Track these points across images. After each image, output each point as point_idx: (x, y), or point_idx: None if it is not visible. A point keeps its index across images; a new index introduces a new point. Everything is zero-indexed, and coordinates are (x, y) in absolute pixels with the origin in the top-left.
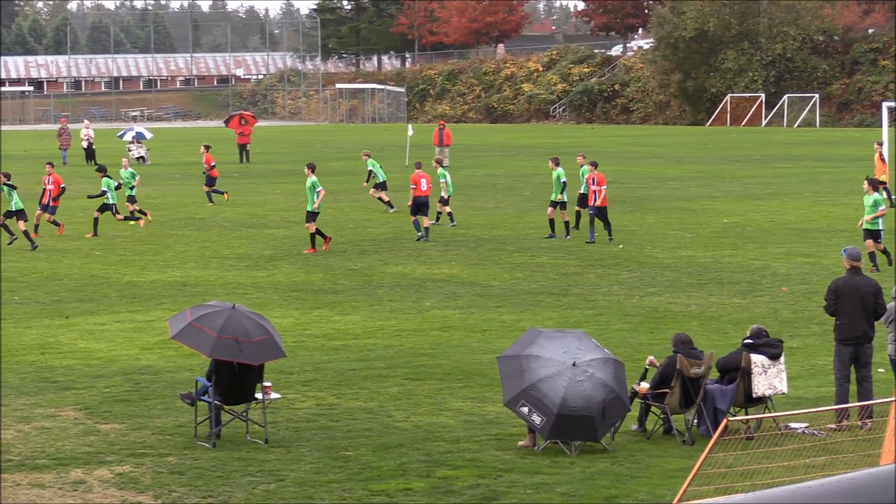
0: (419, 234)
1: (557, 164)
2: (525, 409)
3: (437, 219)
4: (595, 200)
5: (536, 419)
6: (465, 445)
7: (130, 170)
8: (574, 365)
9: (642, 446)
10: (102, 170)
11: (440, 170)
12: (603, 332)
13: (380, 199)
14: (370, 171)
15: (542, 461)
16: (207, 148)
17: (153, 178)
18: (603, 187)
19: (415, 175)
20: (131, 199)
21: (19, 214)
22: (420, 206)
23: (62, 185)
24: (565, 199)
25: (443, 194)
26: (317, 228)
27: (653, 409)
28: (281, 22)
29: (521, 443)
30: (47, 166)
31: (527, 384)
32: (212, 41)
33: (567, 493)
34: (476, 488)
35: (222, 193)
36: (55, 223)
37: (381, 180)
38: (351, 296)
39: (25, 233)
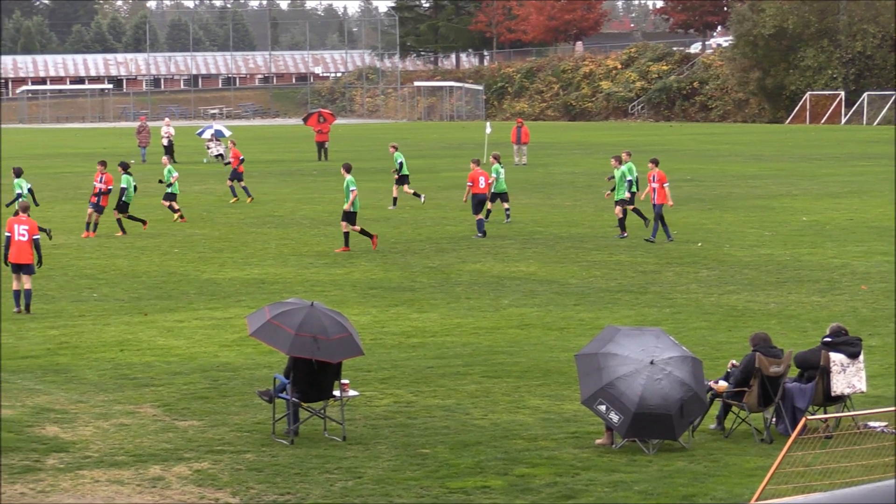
0: (478, 233)
1: (621, 162)
2: (603, 408)
3: (487, 215)
4: (654, 198)
5: (614, 417)
6: (542, 443)
7: (169, 167)
8: (652, 363)
9: (720, 445)
10: (125, 166)
11: (495, 165)
12: (681, 331)
13: (412, 193)
14: (401, 164)
15: (619, 459)
16: (234, 143)
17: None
18: (665, 185)
19: (473, 173)
20: (169, 197)
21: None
22: (479, 204)
23: (110, 186)
24: (627, 197)
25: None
26: (361, 228)
27: (733, 408)
28: (359, 20)
29: (598, 441)
30: (99, 165)
31: (604, 382)
32: (290, 39)
33: (645, 492)
34: (553, 486)
35: (249, 196)
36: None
37: (404, 174)
38: (429, 293)
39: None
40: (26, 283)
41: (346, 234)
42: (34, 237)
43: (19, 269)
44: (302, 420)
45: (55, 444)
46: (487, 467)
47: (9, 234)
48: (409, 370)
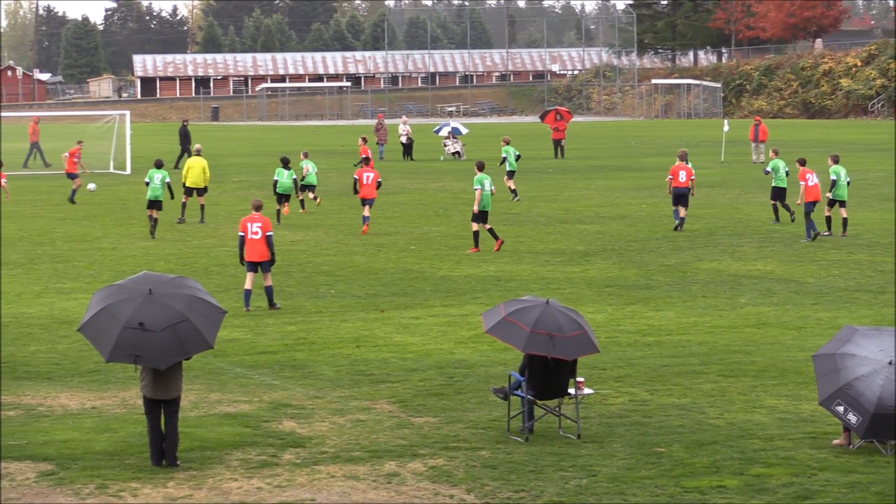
0: (677, 223)
1: (836, 161)
2: (840, 408)
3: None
4: (802, 198)
5: (852, 418)
6: (779, 443)
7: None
8: (891, 363)
9: None
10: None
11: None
12: None
13: (509, 188)
14: (504, 158)
15: (856, 460)
16: (365, 140)
17: (469, 174)
18: (805, 183)
19: (675, 167)
20: (307, 188)
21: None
22: (679, 197)
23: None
24: (831, 197)
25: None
26: (490, 228)
27: None
28: (597, 17)
29: (835, 441)
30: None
31: (842, 383)
32: (527, 36)
33: (882, 493)
34: (790, 486)
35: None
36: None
37: (512, 169)
38: (665, 291)
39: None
40: (266, 279)
41: (476, 234)
42: (267, 234)
43: (255, 266)
44: (537, 417)
45: (292, 439)
46: (723, 467)
47: (242, 234)
48: (644, 368)
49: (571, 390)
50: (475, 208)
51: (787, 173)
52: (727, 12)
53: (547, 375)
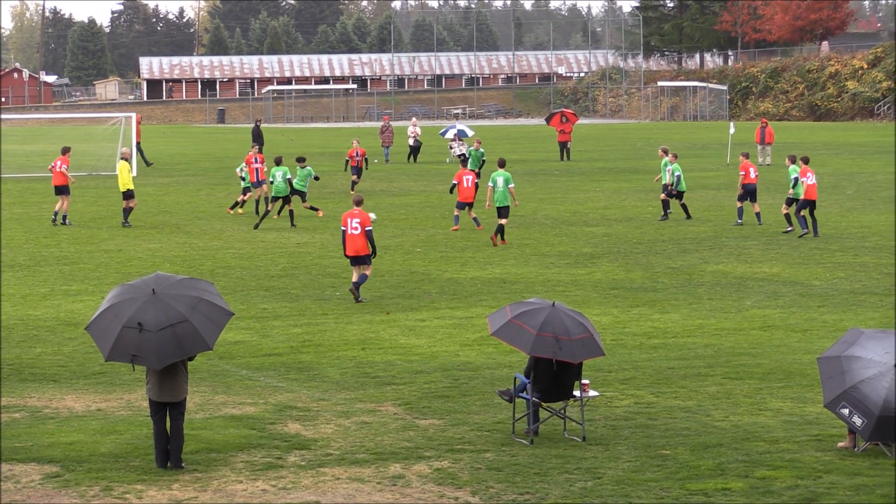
0: (738, 221)
1: (793, 161)
2: (846, 411)
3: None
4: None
5: (857, 420)
6: (784, 446)
7: (308, 168)
8: None
9: None
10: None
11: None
12: None
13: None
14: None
15: (862, 463)
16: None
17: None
18: (804, 180)
19: (745, 164)
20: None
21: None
22: (750, 193)
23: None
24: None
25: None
26: (500, 226)
27: None
28: (603, 19)
29: (840, 444)
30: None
31: (848, 385)
32: (534, 39)
33: (887, 496)
34: (795, 489)
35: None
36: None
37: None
38: (671, 294)
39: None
40: (365, 270)
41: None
42: (366, 229)
43: (357, 261)
44: (542, 420)
45: (297, 441)
46: (728, 469)
47: (343, 229)
48: (650, 371)
49: (577, 393)
50: (487, 204)
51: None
52: (734, 15)
53: (552, 378)
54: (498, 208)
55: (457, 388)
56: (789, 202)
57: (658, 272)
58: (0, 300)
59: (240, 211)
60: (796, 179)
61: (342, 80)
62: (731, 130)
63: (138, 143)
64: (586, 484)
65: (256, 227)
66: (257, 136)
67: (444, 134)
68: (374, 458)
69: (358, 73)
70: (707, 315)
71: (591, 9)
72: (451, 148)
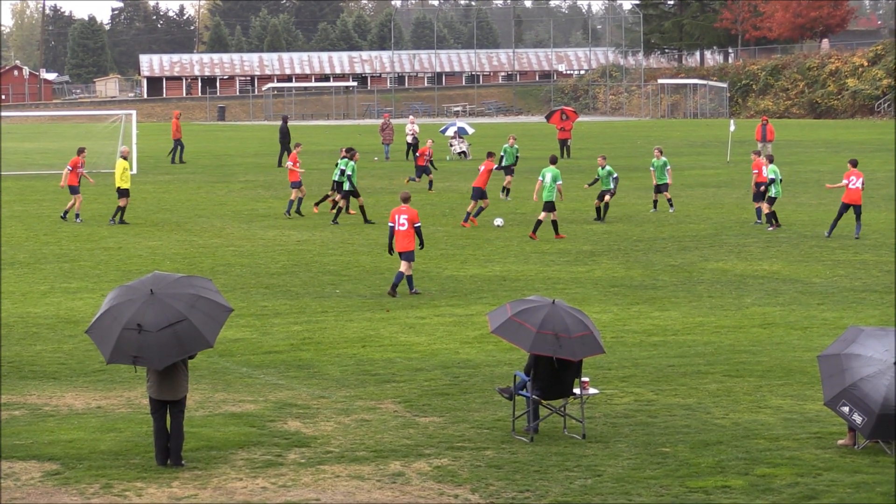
0: (758, 220)
1: (771, 161)
2: (846, 409)
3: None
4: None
5: (857, 418)
6: (784, 443)
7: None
8: None
9: None
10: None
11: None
12: None
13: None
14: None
15: (862, 460)
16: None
17: (474, 174)
18: (845, 182)
19: (756, 162)
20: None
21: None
22: (762, 191)
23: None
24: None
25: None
26: (553, 220)
27: None
28: (603, 17)
29: (841, 441)
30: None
31: (848, 383)
32: (534, 36)
33: (888, 493)
34: (795, 487)
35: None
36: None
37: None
38: (670, 292)
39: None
40: (406, 269)
41: (537, 223)
42: (415, 225)
43: (409, 256)
44: (542, 417)
45: (297, 438)
46: (728, 467)
47: (392, 224)
48: (649, 368)
49: (577, 390)
50: (534, 197)
51: (772, 181)
52: (734, 12)
53: (552, 375)
54: (545, 202)
55: (457, 386)
56: (771, 201)
57: (658, 270)
58: (0, 297)
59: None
60: (773, 180)
61: (342, 77)
62: (732, 128)
63: (178, 139)
64: (586, 481)
65: (334, 221)
66: (285, 135)
67: (444, 132)
68: (374, 456)
69: (358, 70)
70: (707, 313)
71: (592, 6)
72: (451, 146)
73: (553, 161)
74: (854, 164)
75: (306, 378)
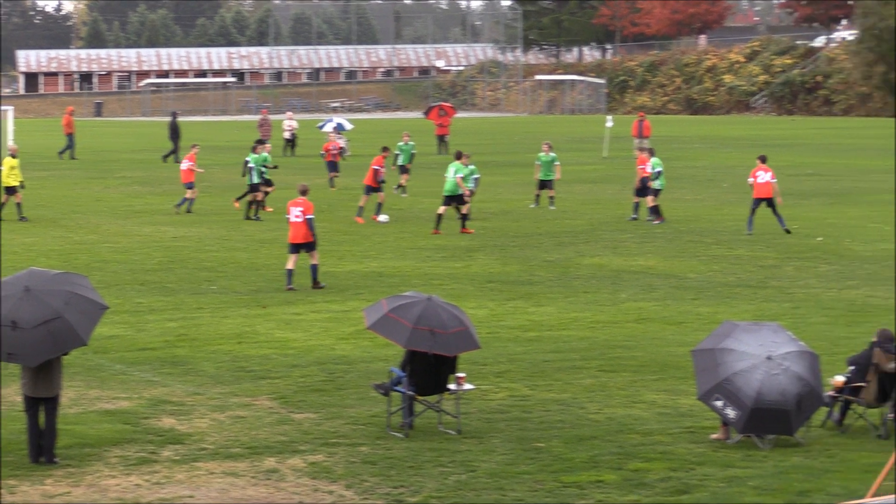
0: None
1: (653, 154)
2: (719, 403)
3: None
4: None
5: (730, 413)
6: (657, 438)
7: (265, 154)
8: (769, 358)
9: (836, 440)
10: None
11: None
12: (800, 326)
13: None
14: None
15: (735, 454)
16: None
17: (354, 170)
18: (754, 179)
19: (640, 158)
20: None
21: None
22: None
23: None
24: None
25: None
26: (462, 215)
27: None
28: (483, 13)
29: (713, 436)
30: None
31: (721, 377)
32: (413, 32)
33: (760, 487)
34: (668, 481)
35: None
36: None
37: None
38: (547, 287)
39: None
40: (313, 257)
41: (438, 217)
42: (308, 217)
43: (298, 248)
44: (417, 413)
45: (171, 435)
46: (602, 462)
47: (287, 216)
48: (525, 364)
49: (452, 386)
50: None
51: (659, 173)
52: (612, 9)
53: (428, 371)
54: (445, 196)
55: (332, 382)
56: (655, 193)
57: (534, 265)
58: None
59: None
60: (659, 172)
61: (221, 73)
62: (609, 124)
63: (71, 134)
64: (461, 477)
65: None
66: (174, 131)
67: (322, 127)
68: (249, 453)
69: (237, 66)
70: (583, 308)
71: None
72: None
73: (458, 157)
74: (763, 160)
75: (181, 375)
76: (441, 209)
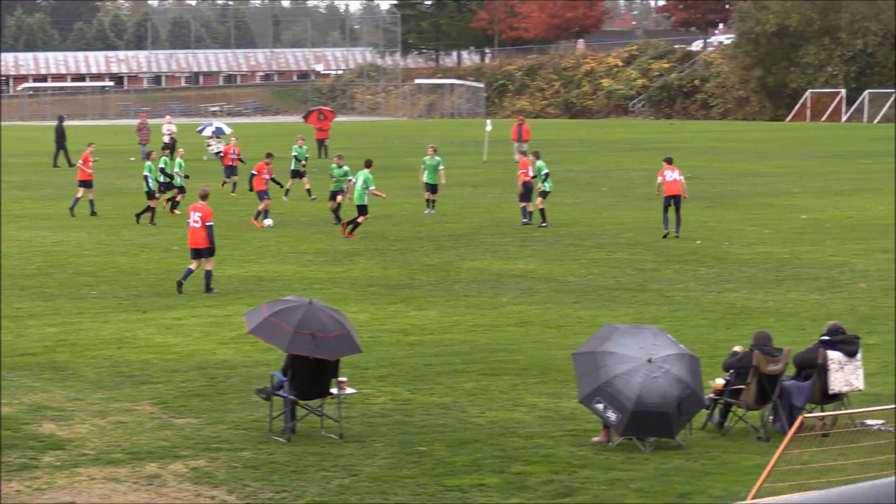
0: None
1: (538, 158)
2: (600, 406)
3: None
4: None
5: (611, 415)
6: (539, 441)
7: (165, 159)
8: (650, 361)
9: (717, 443)
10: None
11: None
12: (680, 329)
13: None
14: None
15: (616, 457)
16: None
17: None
18: (663, 178)
19: (522, 161)
20: (167, 188)
21: None
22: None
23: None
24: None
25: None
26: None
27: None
28: (361, 17)
29: (595, 439)
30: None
31: (602, 381)
32: (292, 36)
33: (641, 490)
34: (550, 484)
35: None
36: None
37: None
38: (427, 291)
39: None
40: (207, 263)
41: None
42: (207, 223)
43: (198, 253)
44: (299, 418)
45: (52, 441)
46: (484, 465)
47: (187, 221)
48: (407, 368)
49: (334, 390)
50: (349, 197)
51: (547, 175)
52: (491, 13)
53: (310, 375)
54: (357, 206)
55: (214, 387)
56: (544, 195)
57: (415, 269)
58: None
59: (176, 212)
60: (547, 174)
61: (99, 77)
62: (488, 128)
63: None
64: (343, 481)
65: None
66: (60, 135)
67: (201, 131)
68: (130, 458)
69: (115, 70)
70: (464, 312)
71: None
72: (208, 146)
73: (368, 165)
74: (669, 161)
75: (61, 380)
76: (361, 218)
